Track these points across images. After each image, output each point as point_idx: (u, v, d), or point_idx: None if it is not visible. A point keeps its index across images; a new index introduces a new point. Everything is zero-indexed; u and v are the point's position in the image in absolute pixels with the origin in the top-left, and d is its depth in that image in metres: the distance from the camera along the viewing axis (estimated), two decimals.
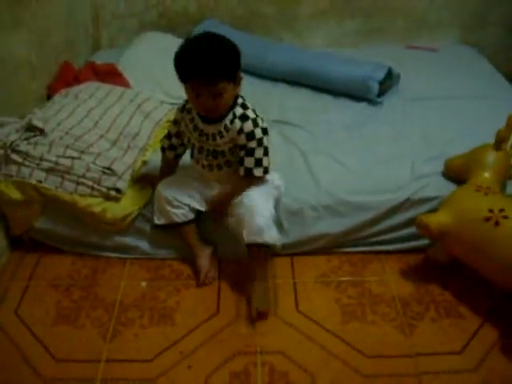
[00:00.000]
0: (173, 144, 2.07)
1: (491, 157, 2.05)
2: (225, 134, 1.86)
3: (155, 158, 2.28)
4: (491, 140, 2.12)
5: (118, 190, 2.10)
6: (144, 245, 2.17)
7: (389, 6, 3.16)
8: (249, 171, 1.90)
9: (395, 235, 2.16)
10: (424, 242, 2.13)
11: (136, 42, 3.02)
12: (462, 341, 1.83)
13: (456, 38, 3.28)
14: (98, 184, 2.09)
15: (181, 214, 2.04)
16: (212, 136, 1.89)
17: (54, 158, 2.09)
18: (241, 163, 1.90)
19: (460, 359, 1.78)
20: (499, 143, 2.05)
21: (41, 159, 2.08)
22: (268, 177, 1.99)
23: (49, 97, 2.56)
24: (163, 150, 2.10)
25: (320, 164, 2.27)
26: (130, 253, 2.18)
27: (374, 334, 1.86)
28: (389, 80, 2.68)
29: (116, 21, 3.20)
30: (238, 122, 1.83)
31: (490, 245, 1.81)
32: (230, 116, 1.84)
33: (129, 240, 2.16)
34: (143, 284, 2.08)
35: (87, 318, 1.94)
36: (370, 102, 2.67)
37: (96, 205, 2.08)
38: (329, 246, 2.17)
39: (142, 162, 2.28)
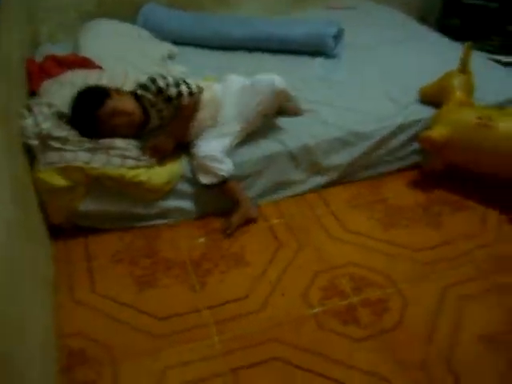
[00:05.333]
0: None
1: (459, 79, 2.51)
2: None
3: None
4: (439, 70, 2.61)
5: None
6: (187, 205, 2.30)
7: None
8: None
9: (394, 157, 2.54)
10: (418, 158, 2.56)
11: (86, 30, 3.03)
12: (481, 224, 2.28)
13: None
14: (142, 154, 2.19)
15: (228, 169, 2.22)
16: None
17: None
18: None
19: (484, 237, 2.22)
20: (463, 67, 2.51)
21: (80, 141, 2.12)
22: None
23: (33, 93, 2.51)
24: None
25: (315, 109, 2.56)
26: (175, 216, 2.29)
27: (415, 234, 2.23)
28: (337, 34, 3.04)
29: (54, 15, 3.15)
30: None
31: (485, 144, 2.26)
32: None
33: (172, 203, 2.27)
34: (202, 240, 2.22)
35: (168, 278, 2.05)
36: (326, 55, 3.01)
37: (142, 174, 2.17)
38: (343, 176, 2.49)
39: None
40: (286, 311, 1.92)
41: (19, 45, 2.61)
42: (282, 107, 2.50)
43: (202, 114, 2.27)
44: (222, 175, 2.19)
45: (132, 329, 1.87)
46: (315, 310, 1.92)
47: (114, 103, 2.14)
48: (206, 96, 2.28)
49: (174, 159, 2.27)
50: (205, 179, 2.20)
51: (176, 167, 2.24)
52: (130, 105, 2.17)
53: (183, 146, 2.31)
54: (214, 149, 2.21)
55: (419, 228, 2.26)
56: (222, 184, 2.21)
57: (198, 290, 2.00)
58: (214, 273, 2.07)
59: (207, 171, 2.19)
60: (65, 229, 2.23)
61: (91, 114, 2.12)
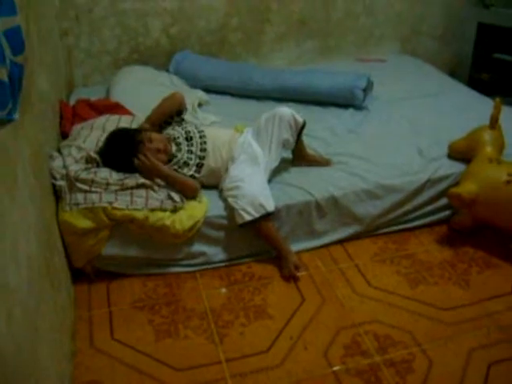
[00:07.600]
0: None
1: (489, 135, 2.49)
2: None
3: None
4: (468, 125, 2.59)
5: (182, 201, 2.24)
6: (211, 250, 2.29)
7: (341, 25, 3.58)
8: None
9: (422, 212, 2.51)
10: (446, 214, 2.52)
11: (120, 76, 3.10)
12: (508, 284, 2.21)
13: (397, 49, 3.79)
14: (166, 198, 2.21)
15: (271, 204, 2.24)
16: None
17: (119, 181, 2.16)
18: None
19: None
20: (493, 123, 2.49)
21: (107, 184, 2.15)
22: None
23: (63, 135, 2.57)
24: None
25: (343, 161, 2.56)
26: (199, 261, 2.28)
27: (441, 292, 2.18)
28: (367, 87, 3.06)
29: (90, 60, 3.25)
30: None
31: None
32: None
33: (196, 248, 2.27)
34: (223, 290, 2.20)
35: (187, 329, 2.03)
36: (356, 107, 3.02)
37: (166, 218, 2.17)
38: (368, 230, 2.46)
39: None
40: (306, 368, 1.87)
41: (55, 86, 2.68)
42: (310, 158, 2.52)
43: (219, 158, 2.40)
44: (266, 209, 2.19)
45: (150, 379, 1.84)
46: (336, 368, 1.86)
47: (148, 132, 2.37)
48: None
49: (198, 204, 2.27)
50: (247, 215, 2.18)
51: (200, 213, 2.23)
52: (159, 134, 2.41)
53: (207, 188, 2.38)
54: (259, 183, 2.28)
55: (446, 286, 2.21)
56: (261, 220, 2.20)
57: (218, 342, 1.97)
58: (234, 325, 2.04)
59: (253, 204, 2.18)
60: (87, 273, 2.23)
61: (134, 139, 2.27)
